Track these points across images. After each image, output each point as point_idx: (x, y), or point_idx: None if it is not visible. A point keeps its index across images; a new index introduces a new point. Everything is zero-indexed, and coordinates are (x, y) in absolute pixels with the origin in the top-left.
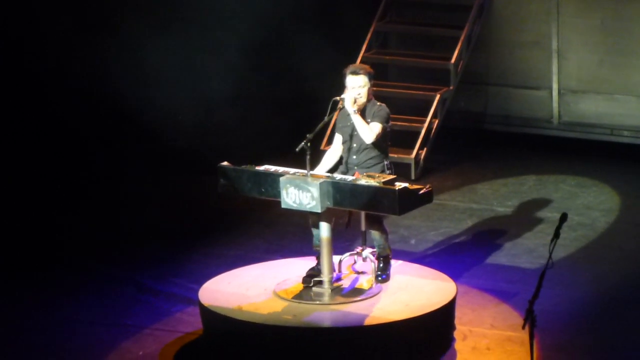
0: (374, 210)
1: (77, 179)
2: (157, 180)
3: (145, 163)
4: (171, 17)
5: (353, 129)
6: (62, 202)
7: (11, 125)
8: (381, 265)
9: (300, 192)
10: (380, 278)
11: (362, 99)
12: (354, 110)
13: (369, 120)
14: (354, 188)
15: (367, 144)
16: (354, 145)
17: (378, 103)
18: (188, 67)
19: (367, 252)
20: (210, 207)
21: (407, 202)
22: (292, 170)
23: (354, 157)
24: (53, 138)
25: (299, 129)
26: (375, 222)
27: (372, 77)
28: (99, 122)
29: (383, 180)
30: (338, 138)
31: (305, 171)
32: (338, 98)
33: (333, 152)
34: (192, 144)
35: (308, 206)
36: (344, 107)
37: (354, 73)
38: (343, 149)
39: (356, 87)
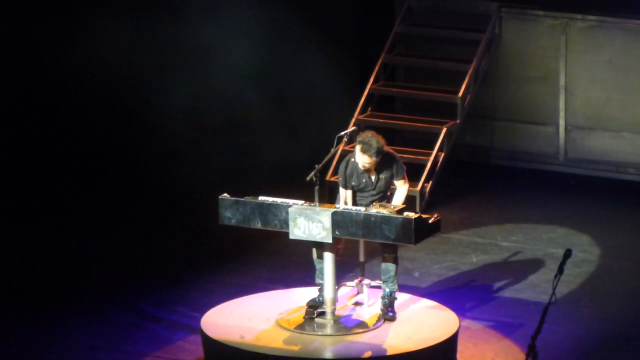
0: (387, 240)
1: (82, 204)
2: (161, 207)
3: (149, 190)
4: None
5: (375, 180)
6: (66, 228)
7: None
8: (386, 302)
9: (310, 222)
10: (388, 315)
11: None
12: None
13: (381, 175)
14: (367, 218)
15: (384, 189)
16: (374, 191)
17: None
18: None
19: (366, 283)
20: (213, 236)
21: (421, 231)
22: (291, 201)
23: (370, 199)
24: (60, 163)
25: (304, 159)
26: (391, 250)
27: (380, 152)
28: (110, 151)
29: (396, 209)
30: (345, 193)
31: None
32: (343, 134)
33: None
34: (195, 172)
35: (318, 237)
36: (354, 161)
37: (366, 153)
38: (359, 195)
39: (366, 164)
